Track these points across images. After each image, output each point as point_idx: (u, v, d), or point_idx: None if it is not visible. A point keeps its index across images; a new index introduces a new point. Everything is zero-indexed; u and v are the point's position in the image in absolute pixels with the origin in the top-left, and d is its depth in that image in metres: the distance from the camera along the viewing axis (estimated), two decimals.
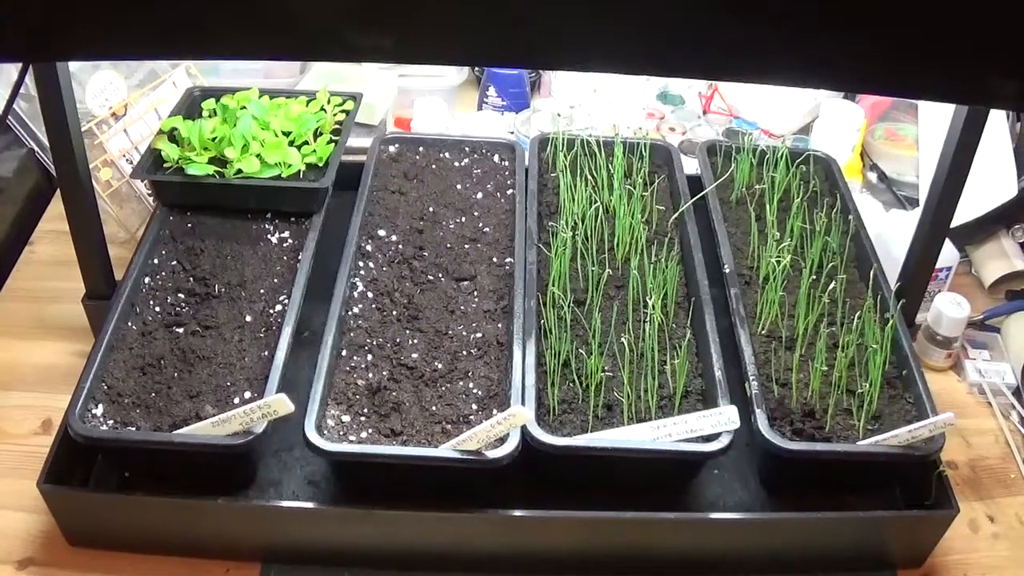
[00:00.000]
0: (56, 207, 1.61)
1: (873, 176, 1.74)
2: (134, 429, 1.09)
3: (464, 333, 1.23)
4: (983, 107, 1.16)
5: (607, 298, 1.29)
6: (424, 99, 1.70)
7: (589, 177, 1.45)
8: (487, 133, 1.65)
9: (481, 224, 1.40)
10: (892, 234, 1.47)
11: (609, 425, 1.13)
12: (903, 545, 1.15)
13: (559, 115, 1.72)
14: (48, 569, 1.10)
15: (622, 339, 1.19)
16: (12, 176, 1.60)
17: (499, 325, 1.24)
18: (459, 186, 1.47)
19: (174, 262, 1.30)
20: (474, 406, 1.14)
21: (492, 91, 1.81)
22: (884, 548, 1.15)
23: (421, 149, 1.54)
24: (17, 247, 1.54)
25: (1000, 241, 1.57)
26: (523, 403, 1.10)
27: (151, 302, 1.24)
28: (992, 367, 1.43)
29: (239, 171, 1.34)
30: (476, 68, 1.89)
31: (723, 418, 1.08)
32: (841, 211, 1.42)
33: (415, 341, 1.22)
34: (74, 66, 1.30)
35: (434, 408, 1.13)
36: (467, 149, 1.54)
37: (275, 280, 1.28)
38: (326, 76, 1.71)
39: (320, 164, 1.38)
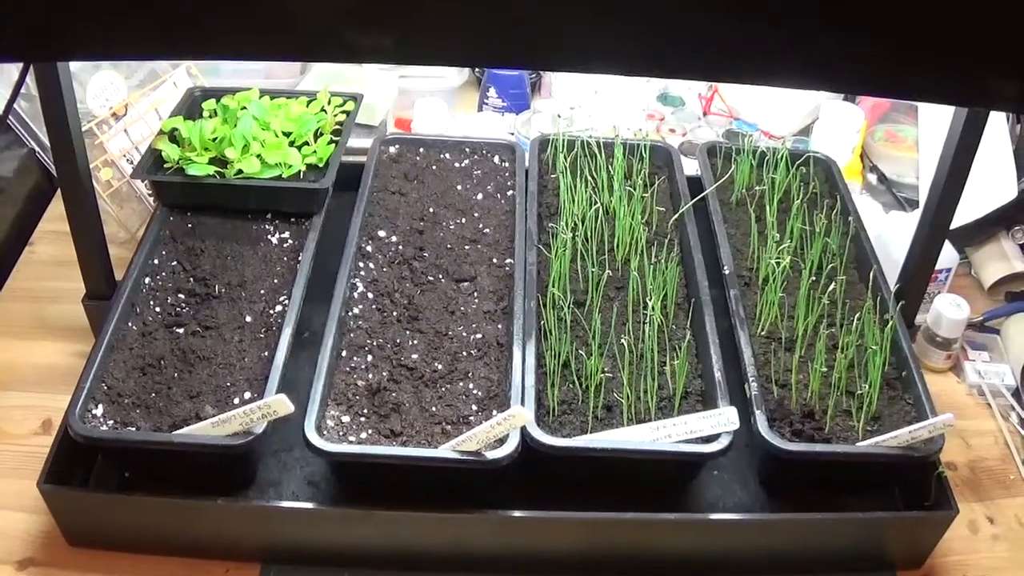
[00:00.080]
0: (56, 207, 1.61)
1: (873, 178, 1.75)
2: (134, 429, 1.09)
3: (464, 334, 1.23)
4: (983, 109, 1.16)
5: (607, 299, 1.29)
6: (424, 100, 1.70)
7: (589, 178, 1.45)
8: (487, 134, 1.65)
9: (481, 225, 1.40)
10: (892, 235, 1.47)
11: (609, 426, 1.13)
12: (903, 546, 1.15)
13: (559, 116, 1.72)
14: (48, 569, 1.10)
15: (622, 340, 1.19)
16: (12, 176, 1.60)
17: (499, 326, 1.24)
18: (459, 187, 1.47)
19: (174, 262, 1.30)
20: (474, 407, 1.14)
21: (492, 92, 1.81)
22: (884, 549, 1.15)
23: (421, 150, 1.54)
24: (17, 247, 1.55)
25: (1000, 243, 1.57)
26: (523, 404, 1.10)
27: (151, 302, 1.24)
28: (991, 368, 1.43)
29: (239, 171, 1.34)
30: (476, 69, 1.89)
31: (723, 419, 1.08)
32: (841, 212, 1.42)
33: (415, 342, 1.22)
34: (75, 66, 1.30)
35: (434, 409, 1.13)
36: (467, 150, 1.54)
37: (275, 280, 1.28)
38: (326, 77, 1.71)
39: (320, 165, 1.39)
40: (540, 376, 1.16)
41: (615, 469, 1.11)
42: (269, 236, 1.35)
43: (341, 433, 1.10)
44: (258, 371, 1.16)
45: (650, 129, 1.77)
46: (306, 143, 1.42)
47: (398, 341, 1.21)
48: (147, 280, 1.27)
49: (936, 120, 1.63)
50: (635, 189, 1.40)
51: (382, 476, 1.10)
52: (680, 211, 1.41)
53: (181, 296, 1.26)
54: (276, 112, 1.44)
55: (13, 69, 1.41)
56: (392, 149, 1.53)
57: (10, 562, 1.10)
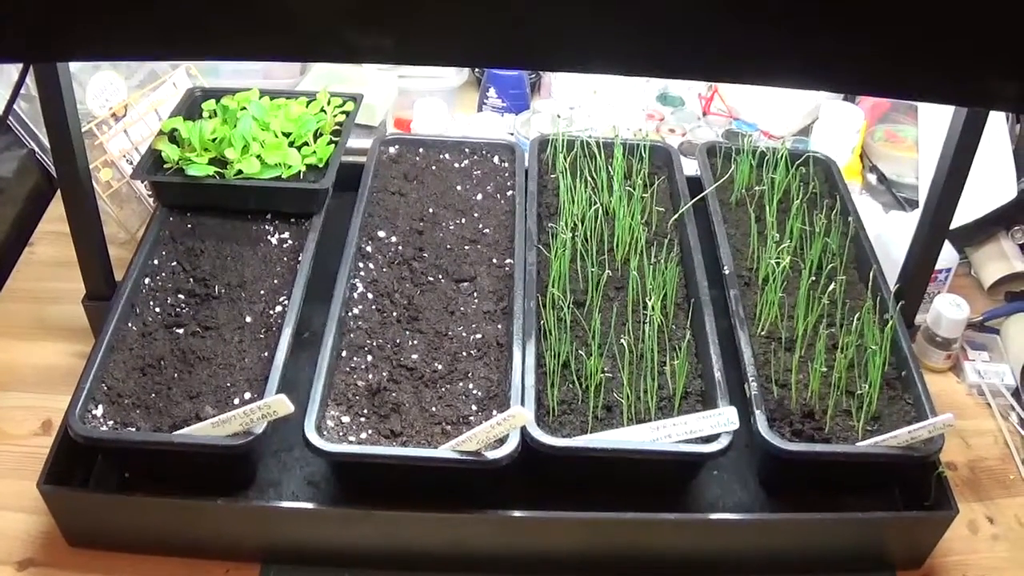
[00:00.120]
0: (56, 208, 1.61)
1: (873, 178, 1.75)
2: (134, 430, 1.09)
3: (464, 334, 1.23)
4: (983, 109, 1.16)
5: (607, 299, 1.29)
6: (424, 100, 1.70)
7: (589, 178, 1.45)
8: (487, 134, 1.65)
9: (481, 225, 1.40)
10: (891, 235, 1.47)
11: (609, 426, 1.13)
12: (902, 546, 1.15)
13: (559, 116, 1.72)
14: (48, 570, 1.10)
15: (622, 340, 1.20)
16: (12, 177, 1.60)
17: (499, 326, 1.24)
18: (459, 187, 1.47)
19: (174, 263, 1.30)
20: (474, 407, 1.14)
21: (492, 92, 1.81)
22: (883, 549, 1.15)
23: (421, 150, 1.54)
24: (17, 248, 1.55)
25: (999, 243, 1.57)
26: (523, 404, 1.10)
27: (151, 303, 1.24)
28: (991, 368, 1.43)
29: (239, 172, 1.34)
30: (476, 69, 1.89)
31: (722, 419, 1.08)
32: (841, 212, 1.42)
33: (415, 342, 1.22)
34: (74, 67, 1.30)
35: (434, 409, 1.13)
36: (467, 150, 1.54)
37: (275, 281, 1.28)
38: (326, 77, 1.71)
39: (320, 165, 1.39)
40: (540, 376, 1.16)
41: (615, 469, 1.11)
42: (269, 236, 1.35)
43: (341, 433, 1.10)
44: (258, 371, 1.16)
45: (650, 129, 1.77)
46: (306, 143, 1.42)
47: (398, 341, 1.21)
48: (147, 280, 1.27)
49: (936, 120, 1.63)
50: (635, 189, 1.40)
51: (382, 476, 1.10)
52: (680, 211, 1.41)
53: (181, 296, 1.26)
54: (276, 112, 1.44)
55: (13, 70, 1.41)
56: (392, 149, 1.53)
57: (10, 563, 1.10)
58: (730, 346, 1.22)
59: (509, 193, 1.46)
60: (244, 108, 1.42)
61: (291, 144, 1.40)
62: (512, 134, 1.73)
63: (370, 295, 1.27)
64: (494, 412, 1.12)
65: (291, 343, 1.17)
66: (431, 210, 1.42)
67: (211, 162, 1.35)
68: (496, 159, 1.53)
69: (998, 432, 1.36)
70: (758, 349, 1.23)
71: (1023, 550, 1.20)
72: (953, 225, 1.30)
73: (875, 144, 1.77)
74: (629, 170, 1.48)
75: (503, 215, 1.42)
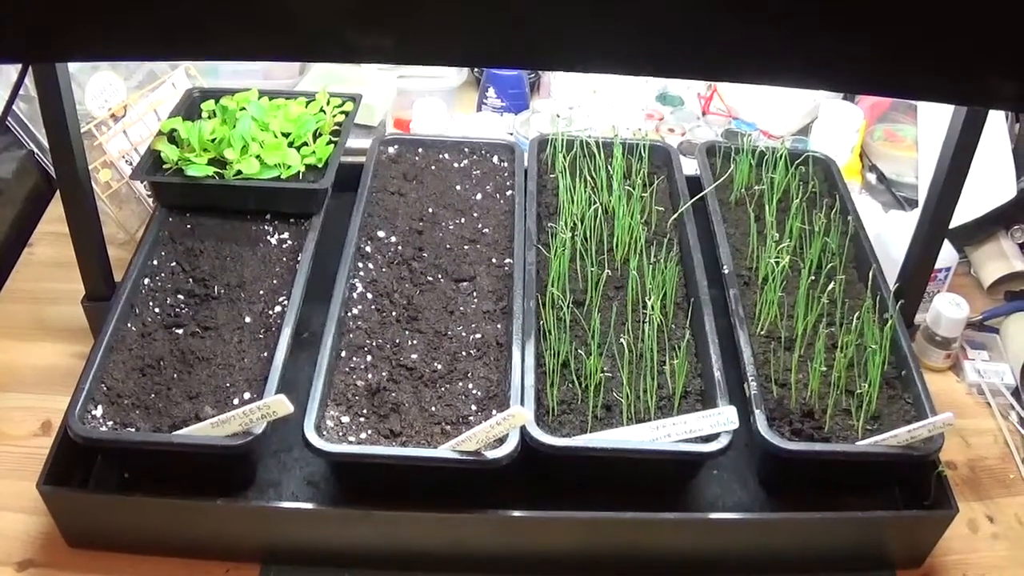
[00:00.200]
0: (55, 209, 1.61)
1: (872, 177, 1.75)
2: (133, 430, 1.09)
3: (463, 334, 1.23)
4: (982, 108, 1.16)
5: (606, 299, 1.29)
6: (423, 100, 1.70)
7: (588, 178, 1.45)
8: (486, 134, 1.65)
9: (480, 225, 1.40)
10: (891, 235, 1.47)
11: (608, 425, 1.13)
12: (902, 545, 1.15)
13: (558, 116, 1.72)
14: (48, 570, 1.10)
15: (621, 340, 1.19)
16: (11, 177, 1.60)
17: (498, 326, 1.24)
18: (458, 187, 1.47)
19: (173, 263, 1.30)
20: (473, 407, 1.14)
21: (491, 92, 1.81)
22: (883, 548, 1.15)
23: (420, 150, 1.54)
24: (16, 248, 1.54)
25: (999, 242, 1.57)
26: (522, 404, 1.10)
27: (150, 303, 1.24)
28: (991, 367, 1.43)
29: (238, 172, 1.34)
30: (475, 69, 1.89)
31: (722, 418, 1.08)
32: (840, 212, 1.42)
33: (414, 342, 1.22)
34: (73, 67, 1.30)
35: (433, 409, 1.13)
36: (466, 150, 1.54)
37: (274, 281, 1.28)
38: (325, 77, 1.71)
39: (319, 165, 1.39)
40: (539, 376, 1.16)
41: (615, 468, 1.11)
42: (268, 237, 1.35)
43: (341, 433, 1.10)
44: (257, 371, 1.16)
45: (649, 129, 1.77)
46: (305, 144, 1.42)
47: (397, 341, 1.21)
48: (146, 281, 1.27)
49: (935, 119, 1.63)
50: (634, 189, 1.40)
51: (382, 476, 1.10)
52: (679, 211, 1.41)
53: (180, 297, 1.26)
54: (275, 113, 1.44)
55: (12, 70, 1.41)
56: (391, 149, 1.53)
57: (10, 563, 1.10)
58: (730, 345, 1.22)
59: (508, 193, 1.46)
60: (243, 108, 1.42)
61: (290, 144, 1.40)
62: (511, 134, 1.73)
63: (369, 295, 1.27)
64: (494, 412, 1.12)
65: (290, 343, 1.17)
66: (430, 210, 1.42)
67: (210, 162, 1.35)
68: (495, 159, 1.53)
69: (998, 431, 1.36)
70: (758, 348, 1.23)
71: (1023, 549, 1.20)
72: (953, 224, 1.30)
73: (874, 143, 1.77)
74: (628, 170, 1.48)
75: (502, 215, 1.42)
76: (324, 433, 1.08)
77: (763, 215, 1.40)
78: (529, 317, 1.21)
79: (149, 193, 1.50)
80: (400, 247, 1.35)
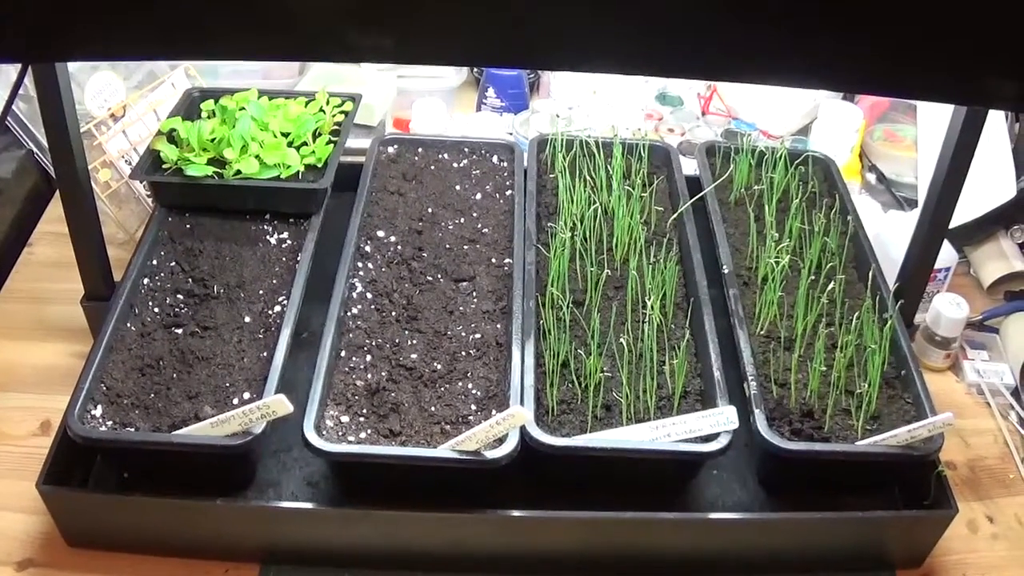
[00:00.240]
0: (55, 208, 1.61)
1: (872, 177, 1.75)
2: (133, 430, 1.09)
3: (463, 334, 1.23)
4: (982, 108, 1.16)
5: (606, 299, 1.29)
6: (423, 100, 1.70)
7: (588, 178, 1.45)
8: (486, 134, 1.65)
9: (480, 225, 1.40)
10: (891, 235, 1.47)
11: (608, 425, 1.13)
12: (902, 545, 1.15)
13: (558, 116, 1.72)
14: (47, 570, 1.10)
15: (621, 339, 1.19)
16: (11, 177, 1.60)
17: (498, 326, 1.24)
18: (458, 187, 1.47)
19: (173, 263, 1.30)
20: (473, 406, 1.14)
21: (491, 92, 1.81)
22: (883, 548, 1.15)
23: (420, 150, 1.54)
24: (16, 248, 1.54)
25: (999, 242, 1.57)
26: (522, 403, 1.10)
27: (150, 303, 1.24)
28: (991, 367, 1.43)
29: (238, 172, 1.34)
30: (475, 69, 1.89)
31: (722, 418, 1.08)
32: (840, 212, 1.42)
33: (414, 342, 1.22)
34: (73, 67, 1.30)
35: (433, 409, 1.13)
36: (466, 150, 1.54)
37: (274, 281, 1.28)
38: (325, 77, 1.71)
39: (319, 165, 1.39)
40: (539, 376, 1.16)
41: (614, 468, 1.11)
42: (268, 236, 1.35)
43: (340, 433, 1.10)
44: (257, 371, 1.16)
45: (649, 129, 1.77)
46: (304, 143, 1.42)
47: (397, 341, 1.21)
48: (146, 281, 1.27)
49: (935, 119, 1.63)
50: (634, 189, 1.40)
51: (381, 476, 1.10)
52: (679, 211, 1.41)
53: (180, 297, 1.26)
54: (274, 112, 1.44)
55: (11, 70, 1.41)
56: (391, 149, 1.53)
57: (9, 563, 1.10)
58: (729, 345, 1.22)
59: (508, 193, 1.46)
60: (243, 108, 1.42)
61: (290, 144, 1.40)
62: (511, 134, 1.73)
63: (369, 295, 1.27)
64: (493, 411, 1.12)
65: (290, 343, 1.17)
66: (430, 210, 1.42)
67: (210, 162, 1.35)
68: (495, 159, 1.53)
69: (997, 431, 1.36)
70: (757, 348, 1.23)
71: (1022, 549, 1.20)
72: (952, 224, 1.30)
73: (874, 143, 1.77)
74: (628, 170, 1.48)
75: (502, 215, 1.42)
76: (324, 433, 1.08)
77: (763, 215, 1.40)
78: (529, 317, 1.21)
79: (148, 193, 1.50)
80: (400, 247, 1.35)
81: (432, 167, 1.51)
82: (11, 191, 1.61)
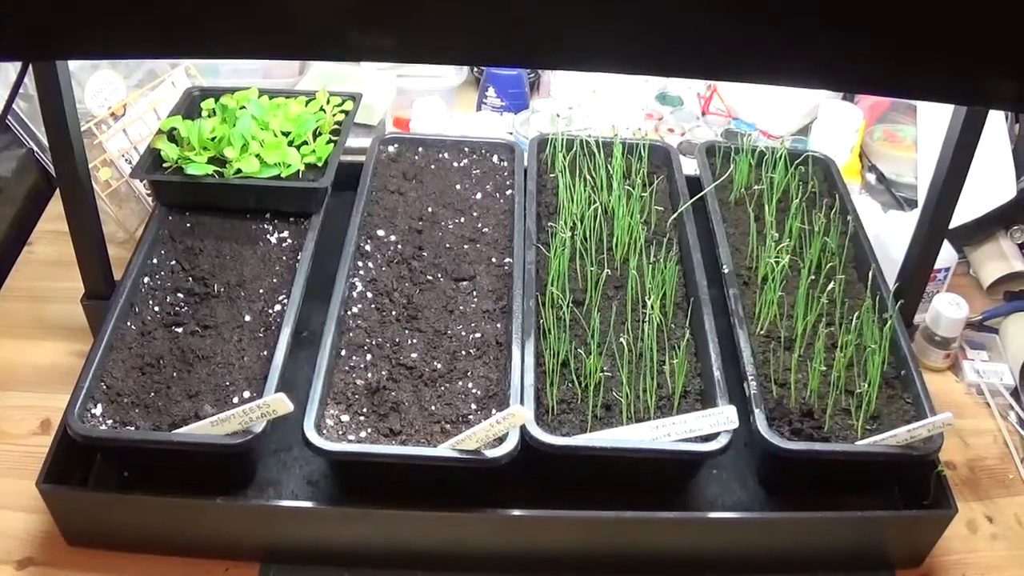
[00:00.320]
0: (55, 207, 1.61)
1: (872, 177, 1.75)
2: (133, 429, 1.09)
3: (463, 333, 1.23)
4: (982, 108, 1.16)
5: (606, 298, 1.29)
6: (423, 99, 1.70)
7: (588, 178, 1.45)
8: (486, 133, 1.65)
9: (480, 224, 1.40)
10: (890, 235, 1.47)
11: (608, 425, 1.13)
12: (901, 545, 1.15)
13: (558, 116, 1.72)
14: (47, 569, 1.10)
15: (621, 339, 1.20)
16: (11, 176, 1.60)
17: (498, 325, 1.24)
18: (458, 186, 1.47)
19: (173, 262, 1.30)
20: (473, 406, 1.14)
21: (491, 91, 1.81)
22: (883, 548, 1.15)
23: (420, 149, 1.54)
24: (16, 247, 1.54)
25: (999, 242, 1.57)
26: (522, 403, 1.10)
27: (150, 302, 1.24)
28: (990, 368, 1.43)
29: (238, 171, 1.34)
30: (475, 68, 1.89)
31: (722, 418, 1.08)
32: (840, 212, 1.42)
33: (414, 341, 1.22)
34: (73, 66, 1.30)
35: (433, 408, 1.13)
36: (466, 149, 1.54)
37: (274, 280, 1.28)
38: (325, 76, 1.71)
39: (319, 164, 1.39)
40: (539, 375, 1.16)
41: (614, 468, 1.11)
42: (268, 235, 1.35)
43: (340, 432, 1.10)
44: (257, 370, 1.16)
45: (649, 128, 1.77)
46: (305, 142, 1.42)
47: (397, 340, 1.21)
48: (146, 280, 1.27)
49: (935, 119, 1.63)
50: (634, 188, 1.40)
51: (381, 475, 1.10)
52: (679, 210, 1.41)
53: (180, 295, 1.26)
54: (275, 112, 1.44)
55: (12, 69, 1.41)
56: (391, 148, 1.53)
57: (9, 562, 1.10)
58: (729, 345, 1.22)
59: (508, 192, 1.46)
60: (243, 107, 1.42)
61: (290, 143, 1.40)
62: (511, 133, 1.73)
63: (369, 294, 1.27)
64: (493, 411, 1.12)
65: (290, 342, 1.17)
66: (430, 209, 1.42)
67: (210, 161, 1.35)
68: (495, 158, 1.53)
69: (997, 431, 1.36)
70: (757, 348, 1.23)
71: (1022, 549, 1.20)
72: (952, 224, 1.30)
73: (874, 144, 1.77)
74: (628, 169, 1.48)
75: (502, 214, 1.42)
76: (324, 432, 1.08)
77: (763, 215, 1.40)
78: (529, 316, 1.21)
79: (149, 192, 1.50)
80: (400, 246, 1.35)
81: (432, 166, 1.51)
82: (11, 190, 1.61)
